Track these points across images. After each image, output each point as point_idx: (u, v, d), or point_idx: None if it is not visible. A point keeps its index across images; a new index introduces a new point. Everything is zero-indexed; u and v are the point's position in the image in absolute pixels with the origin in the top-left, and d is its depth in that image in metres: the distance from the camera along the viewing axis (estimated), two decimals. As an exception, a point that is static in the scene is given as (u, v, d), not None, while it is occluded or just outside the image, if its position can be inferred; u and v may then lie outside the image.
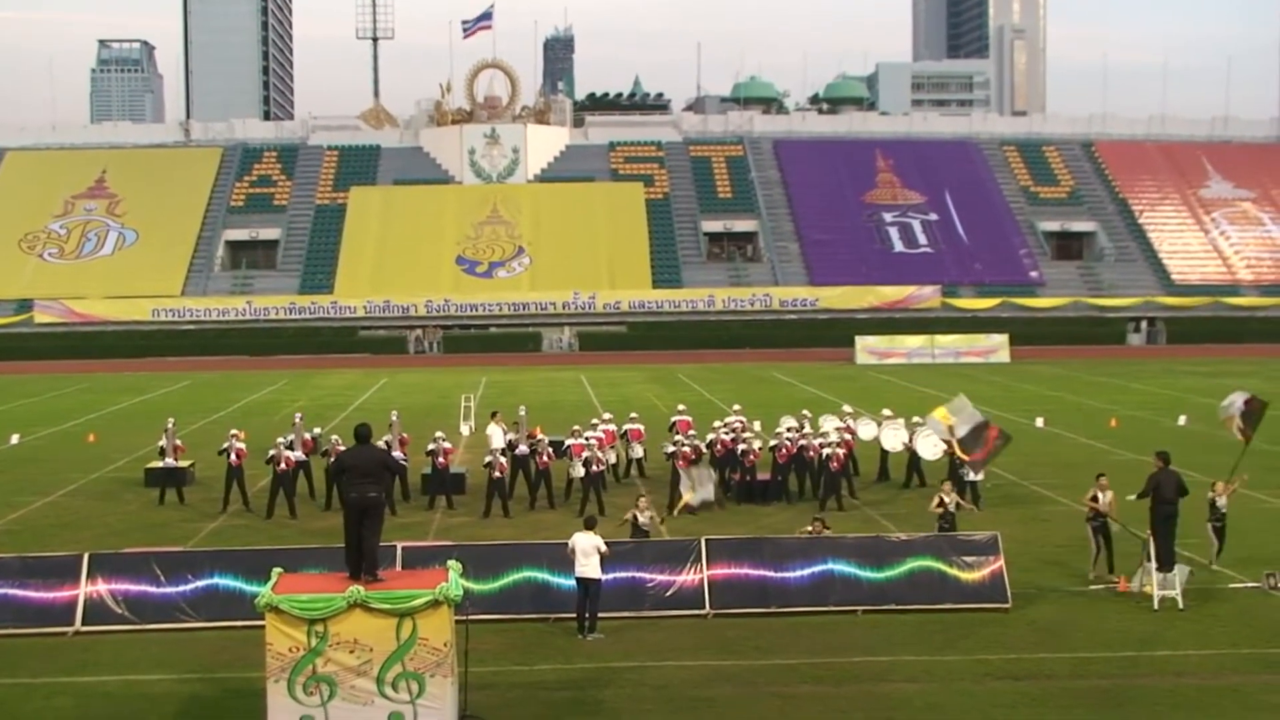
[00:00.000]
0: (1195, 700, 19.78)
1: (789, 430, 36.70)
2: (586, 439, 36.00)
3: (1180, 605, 24.72)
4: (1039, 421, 52.80)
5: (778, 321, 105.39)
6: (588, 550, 23.35)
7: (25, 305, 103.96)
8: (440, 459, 34.12)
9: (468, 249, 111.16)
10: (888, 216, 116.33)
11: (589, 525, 23.81)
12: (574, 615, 23.65)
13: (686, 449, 35.66)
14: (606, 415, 42.00)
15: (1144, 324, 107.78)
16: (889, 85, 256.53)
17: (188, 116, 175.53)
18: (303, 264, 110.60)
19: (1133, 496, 27.20)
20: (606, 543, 23.84)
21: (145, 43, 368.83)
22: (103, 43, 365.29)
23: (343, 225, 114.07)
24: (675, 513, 32.01)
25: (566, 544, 23.77)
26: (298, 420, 41.43)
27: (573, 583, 23.77)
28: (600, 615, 23.62)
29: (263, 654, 17.75)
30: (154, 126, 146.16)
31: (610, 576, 24.35)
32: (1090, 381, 73.82)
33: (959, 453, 33.57)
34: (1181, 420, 52.43)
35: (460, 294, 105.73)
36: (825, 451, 35.16)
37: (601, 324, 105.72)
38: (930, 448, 35.18)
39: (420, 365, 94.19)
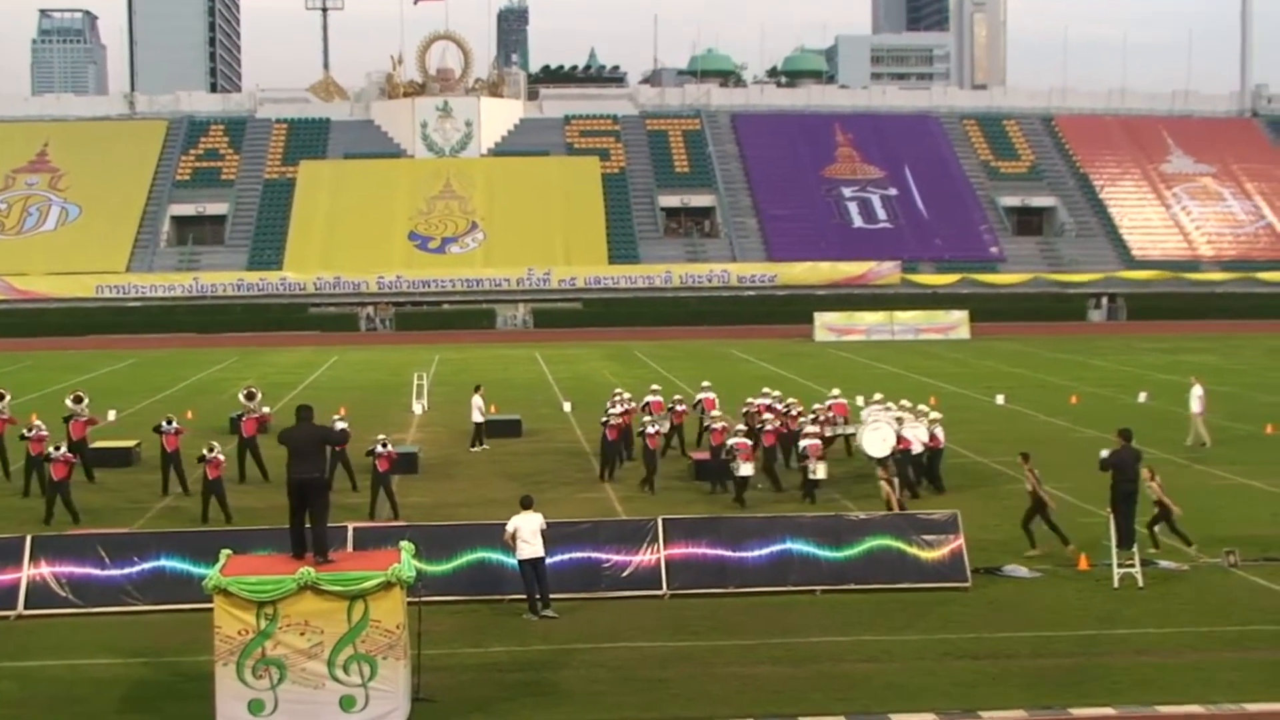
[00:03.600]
0: (1155, 678, 19.93)
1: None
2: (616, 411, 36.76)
3: (1140, 583, 24.91)
4: (999, 399, 53.07)
5: (736, 298, 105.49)
6: (532, 531, 23.33)
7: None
8: (379, 464, 33.02)
9: (420, 224, 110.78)
10: (847, 191, 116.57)
11: (527, 505, 23.78)
12: (520, 595, 23.68)
13: (718, 427, 35.30)
14: (655, 386, 43.35)
15: (1104, 300, 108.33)
16: (848, 58, 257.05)
17: (132, 88, 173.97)
18: (251, 240, 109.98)
19: (1105, 452, 27.12)
20: (551, 523, 23.91)
21: (87, 13, 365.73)
22: (44, 13, 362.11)
23: (292, 200, 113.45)
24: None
25: (512, 528, 23.65)
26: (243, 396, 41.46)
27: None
28: (554, 596, 23.64)
29: (211, 637, 17.70)
30: (97, 99, 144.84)
31: (565, 557, 24.39)
32: (1051, 358, 74.24)
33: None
34: (1142, 397, 52.81)
35: (412, 270, 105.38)
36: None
37: (557, 301, 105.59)
38: (878, 443, 34.61)
39: (372, 343, 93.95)
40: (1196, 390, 42.89)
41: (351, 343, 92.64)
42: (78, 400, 39.13)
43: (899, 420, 34.53)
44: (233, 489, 34.84)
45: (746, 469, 32.76)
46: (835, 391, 41.60)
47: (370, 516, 31.19)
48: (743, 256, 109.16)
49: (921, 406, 37.00)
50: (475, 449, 42.45)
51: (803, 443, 33.39)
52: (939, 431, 34.56)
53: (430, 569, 23.88)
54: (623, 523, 26.75)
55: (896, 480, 30.46)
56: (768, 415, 36.59)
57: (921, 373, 65.62)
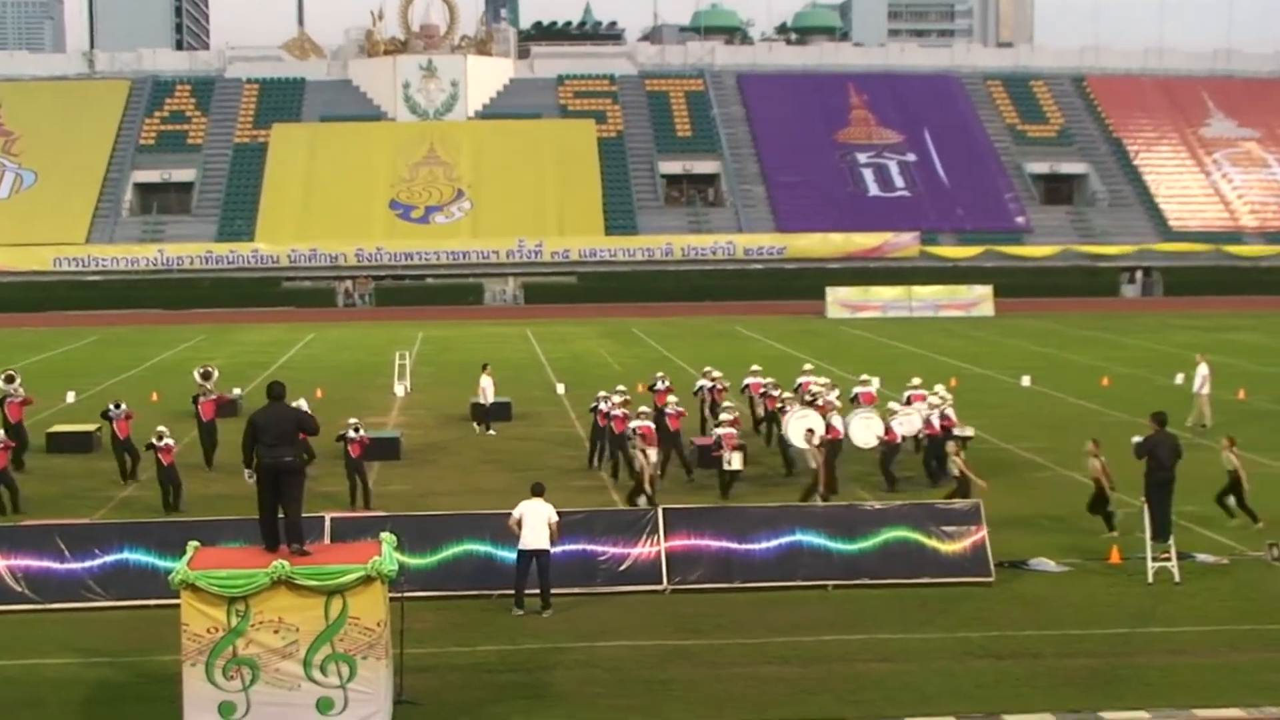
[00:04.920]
0: (1191, 680, 19.98)
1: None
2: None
3: (1176, 578, 24.94)
4: (1025, 380, 53.09)
5: (742, 271, 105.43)
6: (539, 520, 23.35)
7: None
8: (351, 449, 33.03)
9: (402, 192, 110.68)
10: (861, 157, 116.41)
11: (538, 492, 23.83)
12: (509, 590, 23.71)
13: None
14: (715, 372, 42.71)
15: (1139, 274, 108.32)
16: (863, 14, 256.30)
17: (91, 46, 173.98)
18: (220, 209, 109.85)
19: (1137, 438, 27.24)
20: (559, 512, 23.92)
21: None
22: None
23: (264, 166, 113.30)
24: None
25: (510, 514, 23.74)
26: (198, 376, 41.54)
27: (514, 555, 23.76)
28: (550, 591, 23.70)
29: (178, 635, 17.71)
30: (54, 57, 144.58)
31: (559, 550, 24.36)
32: (1080, 336, 74.25)
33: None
34: (1179, 379, 52.79)
35: (394, 242, 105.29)
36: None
37: (549, 274, 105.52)
38: (862, 431, 34.61)
39: (350, 319, 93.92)
40: (1202, 369, 43.27)
41: (328, 320, 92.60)
42: (9, 380, 39.15)
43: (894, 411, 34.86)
44: (198, 476, 34.92)
45: (737, 461, 32.96)
46: (864, 377, 40.93)
47: (352, 505, 31.28)
48: (749, 227, 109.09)
49: (939, 388, 36.89)
50: (483, 431, 42.59)
51: (716, 431, 33.34)
52: (945, 415, 34.54)
53: (413, 562, 23.89)
54: (620, 513, 26.81)
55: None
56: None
57: (942, 352, 65.64)
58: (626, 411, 35.03)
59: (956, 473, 30.06)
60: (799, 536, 25.23)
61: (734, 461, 32.35)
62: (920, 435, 34.69)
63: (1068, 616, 23.06)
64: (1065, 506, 31.06)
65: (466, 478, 35.63)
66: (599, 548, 25.01)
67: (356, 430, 32.51)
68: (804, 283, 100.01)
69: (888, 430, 33.67)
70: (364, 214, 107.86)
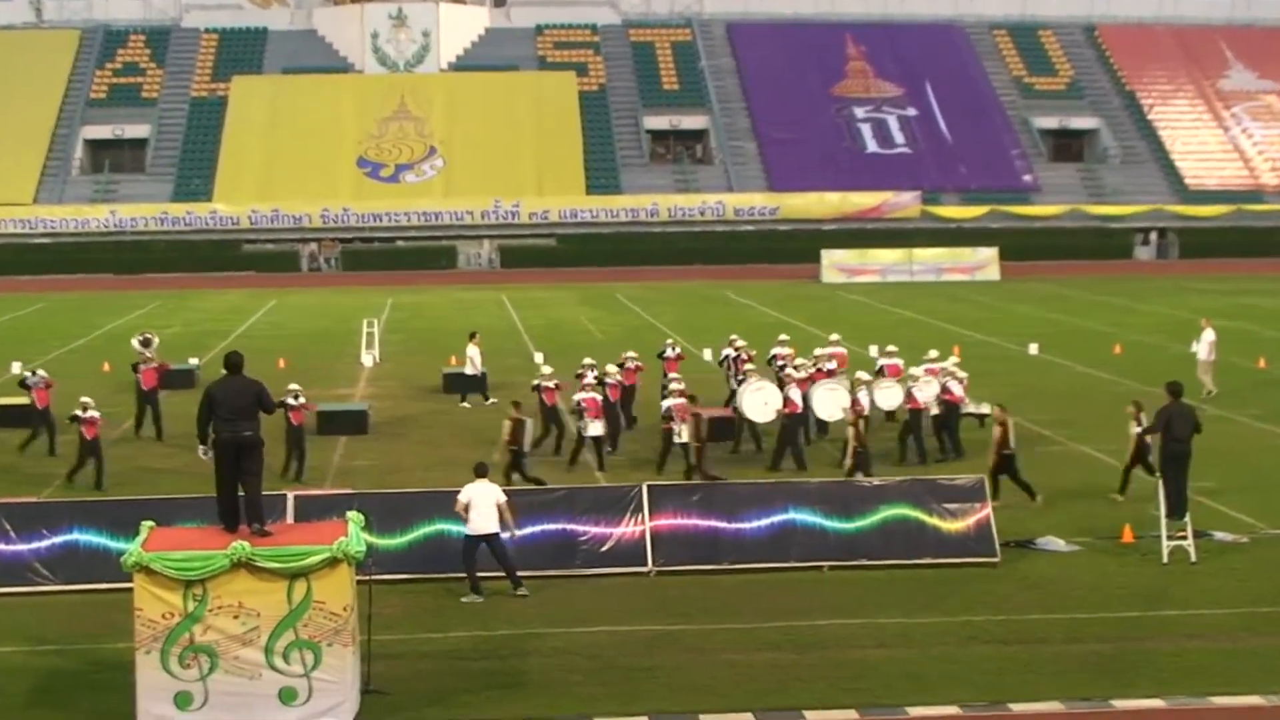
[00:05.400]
0: (1207, 666, 20.01)
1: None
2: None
3: (1192, 558, 24.98)
4: (1032, 348, 53.13)
5: (732, 234, 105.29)
6: (488, 503, 23.28)
7: None
8: (292, 416, 32.47)
9: (370, 150, 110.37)
10: (859, 112, 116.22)
11: (482, 473, 23.72)
12: (496, 574, 23.66)
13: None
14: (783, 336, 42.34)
15: (1153, 235, 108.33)
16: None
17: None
18: (176, 167, 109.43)
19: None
20: (519, 491, 23.93)
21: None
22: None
23: (223, 122, 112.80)
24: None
25: (457, 497, 23.55)
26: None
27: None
28: (524, 574, 23.67)
29: (131, 621, 17.67)
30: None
31: (537, 529, 24.44)
32: (1091, 301, 74.34)
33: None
34: (1194, 347, 52.81)
35: (362, 202, 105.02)
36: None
37: (527, 237, 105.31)
38: (827, 403, 34.62)
39: (315, 285, 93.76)
40: (1208, 335, 43.31)
41: (292, 285, 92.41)
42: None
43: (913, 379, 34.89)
44: (154, 451, 34.90)
45: (595, 428, 33.07)
46: (889, 348, 40.33)
47: (283, 476, 31.42)
48: (740, 186, 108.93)
49: (954, 360, 36.88)
50: (476, 402, 42.61)
51: (666, 402, 33.32)
52: (955, 386, 34.50)
53: (382, 543, 23.90)
54: (602, 490, 26.81)
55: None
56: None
57: (944, 318, 65.68)
58: (559, 382, 35.55)
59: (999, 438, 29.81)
60: (792, 515, 25.27)
61: (684, 434, 32.39)
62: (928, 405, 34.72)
63: (1077, 599, 23.10)
64: (1075, 482, 31.13)
65: (438, 453, 35.60)
66: (579, 527, 25.02)
67: (296, 397, 32.48)
68: (798, 245, 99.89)
69: (909, 398, 33.81)
70: (330, 173, 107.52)
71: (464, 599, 23.27)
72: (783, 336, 42.48)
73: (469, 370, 43.59)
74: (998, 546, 25.21)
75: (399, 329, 63.72)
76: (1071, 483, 31.07)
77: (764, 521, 25.23)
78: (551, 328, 63.91)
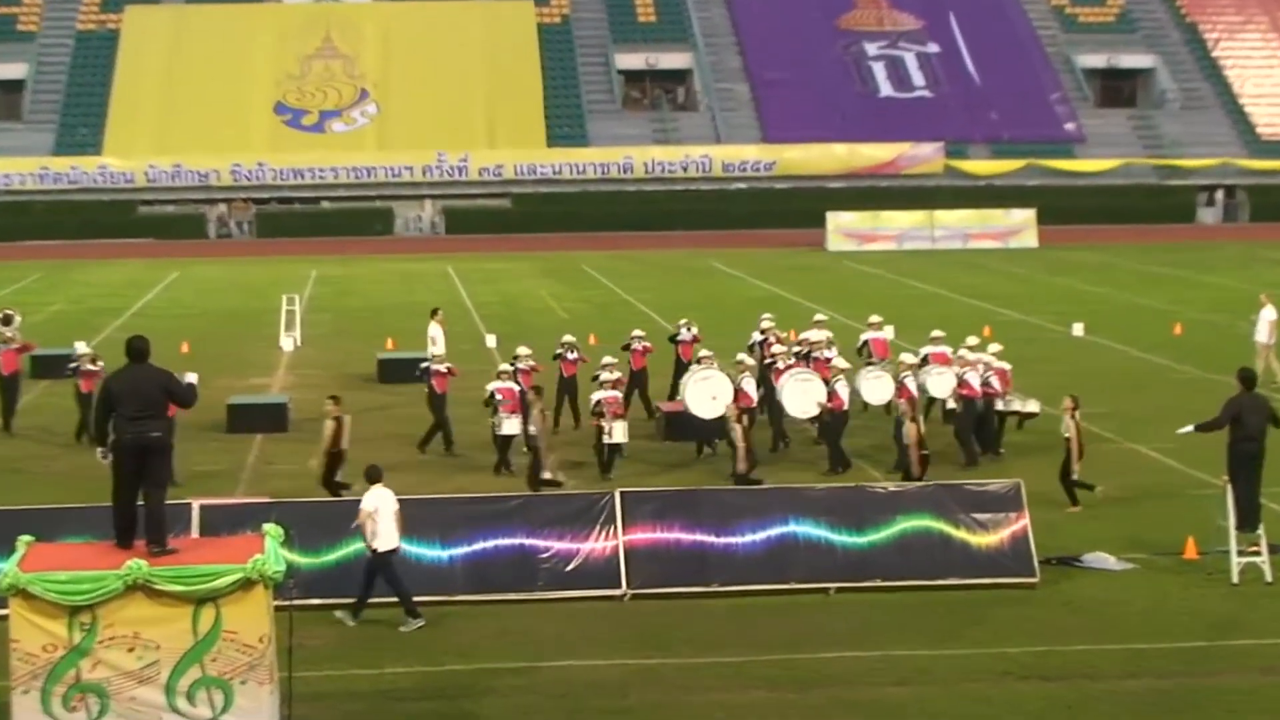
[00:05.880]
0: (1286, 705, 20.12)
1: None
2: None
3: (1267, 577, 25.03)
4: (1077, 328, 53.22)
5: (720, 193, 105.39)
6: (391, 514, 23.18)
7: None
8: (82, 384, 32.95)
9: (290, 93, 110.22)
10: (871, 49, 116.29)
11: (375, 478, 23.51)
12: (437, 599, 23.69)
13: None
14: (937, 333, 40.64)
15: (1219, 194, 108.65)
16: None
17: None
18: (59, 114, 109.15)
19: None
20: (472, 498, 23.91)
21: None
22: None
23: (114, 60, 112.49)
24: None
25: (372, 506, 23.37)
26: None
27: (436, 554, 23.80)
28: (472, 598, 23.72)
29: (6, 655, 17.61)
30: None
31: (488, 545, 24.47)
32: (1146, 273, 74.59)
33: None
34: (1255, 327, 52.91)
35: (280, 155, 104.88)
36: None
37: (476, 197, 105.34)
38: (877, 391, 34.80)
39: (224, 254, 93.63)
40: (1267, 313, 43.29)
41: (196, 255, 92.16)
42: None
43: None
44: (12, 448, 34.90)
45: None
46: (936, 334, 39.97)
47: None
48: (729, 137, 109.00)
49: (993, 348, 36.83)
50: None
51: (595, 395, 33.40)
52: (991, 378, 34.54)
53: (305, 561, 23.85)
54: (567, 499, 26.75)
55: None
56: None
57: (971, 293, 65.89)
58: (527, 367, 35.49)
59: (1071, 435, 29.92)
60: (793, 527, 25.27)
61: (615, 432, 32.38)
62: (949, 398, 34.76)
63: (1132, 626, 23.16)
64: (1128, 488, 31.19)
65: (373, 454, 35.36)
66: (540, 542, 24.98)
67: (95, 361, 32.79)
68: (799, 207, 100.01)
69: (963, 383, 33.68)
70: (242, 121, 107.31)
71: (402, 628, 23.23)
72: (819, 317, 42.59)
73: (429, 351, 43.35)
74: (1037, 564, 25.24)
75: (325, 307, 63.63)
76: (1123, 489, 31.11)
77: (759, 535, 25.22)
78: (507, 305, 63.91)
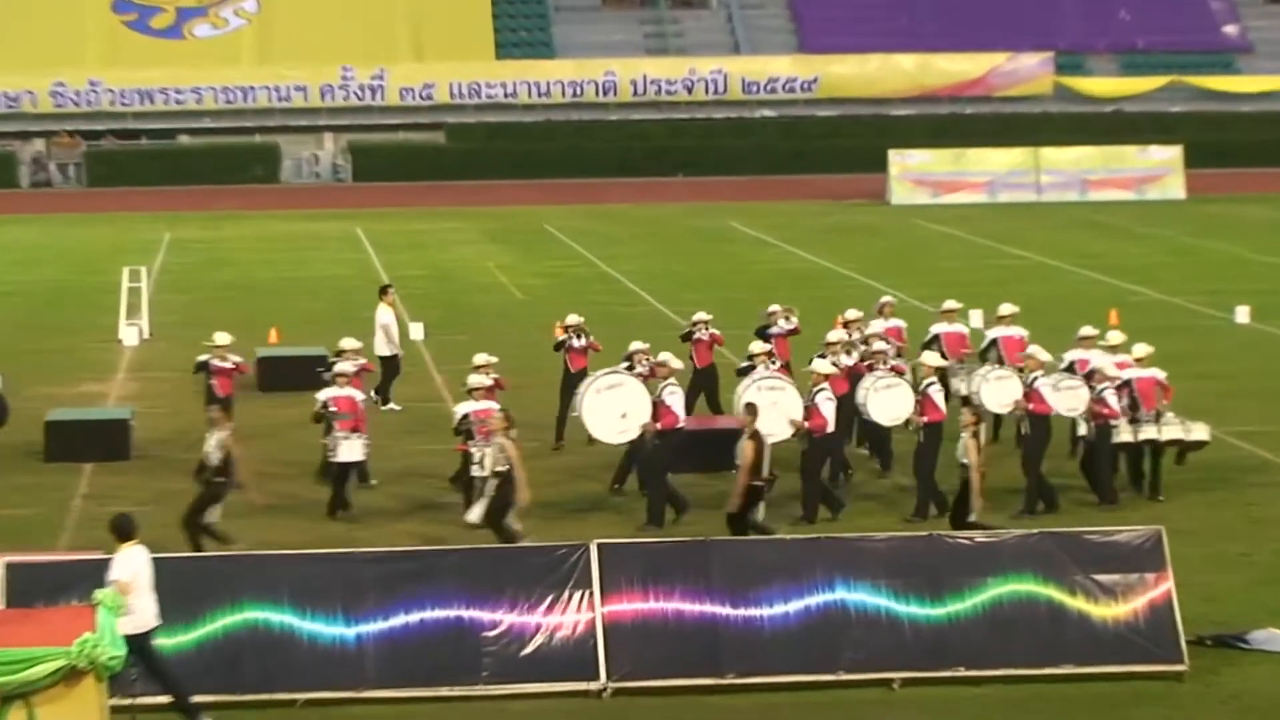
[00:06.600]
0: None
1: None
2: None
3: None
4: (1241, 314, 53.25)
5: (738, 123, 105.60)
6: (148, 582, 23.04)
7: None
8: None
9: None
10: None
11: (125, 534, 23.27)
12: (337, 695, 23.69)
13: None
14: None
15: None
16: None
17: None
18: None
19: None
20: (390, 553, 23.93)
21: None
22: None
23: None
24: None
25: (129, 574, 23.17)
26: None
27: (337, 632, 23.79)
28: (396, 694, 23.67)
29: None
30: None
31: (413, 619, 24.33)
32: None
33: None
34: None
35: (120, 72, 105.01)
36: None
37: (397, 129, 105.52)
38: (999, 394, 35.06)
39: (43, 210, 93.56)
40: None
41: (4, 210, 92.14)
42: None
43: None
44: None
45: None
46: (1085, 332, 40.04)
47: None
48: (752, 47, 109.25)
49: (1139, 349, 36.85)
50: (378, 404, 42.75)
51: (461, 408, 33.42)
52: (1106, 392, 34.59)
53: (156, 641, 23.79)
54: (523, 553, 26.69)
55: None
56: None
57: (1092, 264, 65.94)
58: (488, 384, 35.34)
59: None
60: (841, 593, 25.12)
61: (486, 460, 32.27)
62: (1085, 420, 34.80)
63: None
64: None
65: (247, 489, 35.49)
66: (485, 615, 24.85)
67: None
68: (849, 143, 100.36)
69: (1100, 400, 33.62)
70: (69, 23, 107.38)
71: None
72: (886, 299, 42.65)
73: (380, 347, 43.31)
74: (1185, 645, 25.18)
75: (183, 285, 63.65)
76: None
77: (794, 604, 25.09)
78: (438, 281, 63.89)
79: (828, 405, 33.24)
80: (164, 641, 23.93)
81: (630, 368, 37.57)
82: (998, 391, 34.54)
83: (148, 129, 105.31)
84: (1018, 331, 39.95)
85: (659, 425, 32.72)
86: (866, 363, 35.85)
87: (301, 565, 24.54)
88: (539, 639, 24.77)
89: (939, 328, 39.86)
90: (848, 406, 35.77)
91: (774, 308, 41.29)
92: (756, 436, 29.75)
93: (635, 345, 37.27)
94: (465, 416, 32.65)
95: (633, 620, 24.92)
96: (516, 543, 28.79)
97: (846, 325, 39.11)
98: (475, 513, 31.25)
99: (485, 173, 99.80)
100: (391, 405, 43.04)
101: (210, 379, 37.37)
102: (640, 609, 24.97)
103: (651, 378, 34.89)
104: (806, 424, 32.68)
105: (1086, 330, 37.98)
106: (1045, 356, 34.94)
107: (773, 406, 32.95)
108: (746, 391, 33.64)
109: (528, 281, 62.72)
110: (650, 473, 33.11)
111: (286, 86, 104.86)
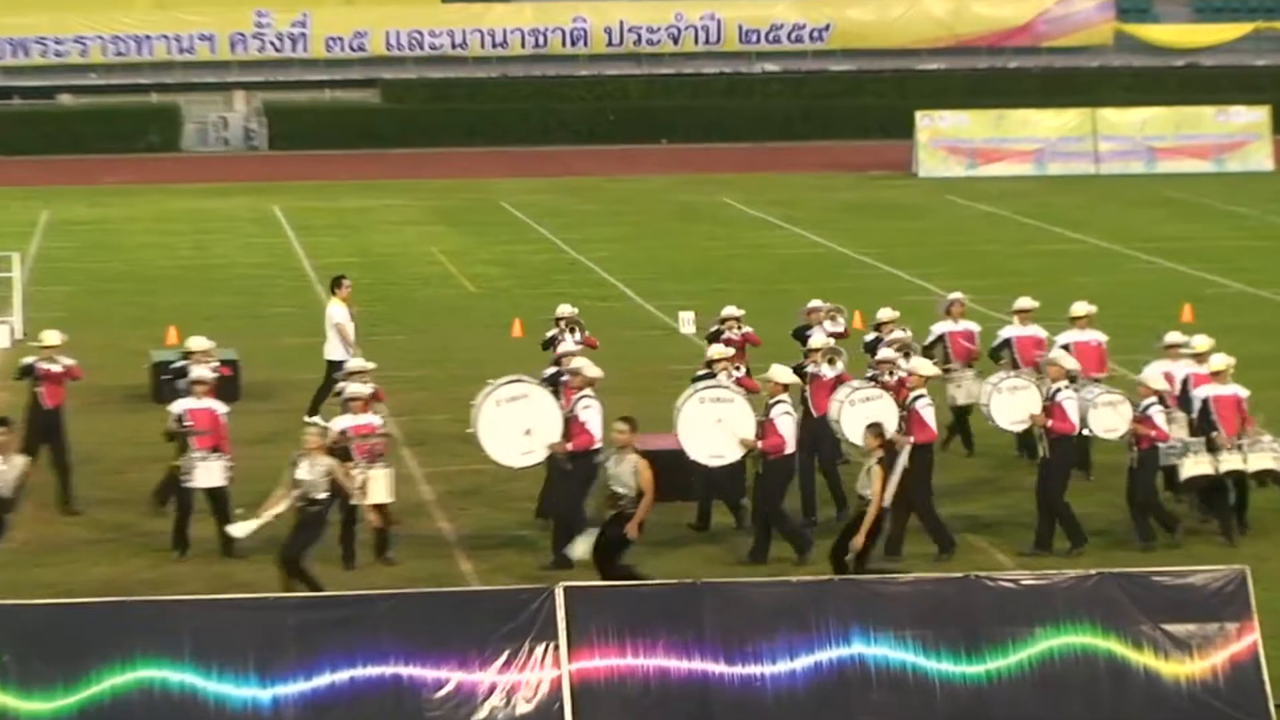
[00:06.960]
0: None
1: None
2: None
3: None
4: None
5: (735, 79, 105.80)
6: None
7: None
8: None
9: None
10: None
11: None
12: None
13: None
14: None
15: None
16: None
17: None
18: None
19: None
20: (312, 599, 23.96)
21: None
22: None
23: None
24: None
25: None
26: None
27: (250, 694, 23.76)
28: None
29: None
30: None
31: (343, 678, 24.29)
32: None
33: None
34: None
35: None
36: None
37: (321, 86, 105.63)
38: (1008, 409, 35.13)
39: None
40: None
41: None
42: None
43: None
44: None
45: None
46: (1171, 340, 40.25)
47: None
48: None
49: (1217, 360, 36.89)
50: (312, 420, 42.74)
51: (337, 422, 33.60)
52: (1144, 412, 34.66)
53: (28, 708, 23.77)
54: (474, 597, 26.66)
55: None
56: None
57: (1161, 250, 65.94)
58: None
59: None
60: (856, 647, 25.13)
61: (374, 488, 32.23)
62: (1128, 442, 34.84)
63: None
64: None
65: (149, 522, 35.45)
66: (429, 672, 24.86)
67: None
68: (869, 103, 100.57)
69: (1143, 419, 33.62)
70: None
71: None
72: (883, 314, 42.66)
73: (332, 350, 43.19)
74: (1273, 710, 25.19)
75: (62, 275, 63.63)
76: None
77: (802, 660, 25.12)
78: (373, 270, 63.85)
79: (785, 421, 33.15)
80: (39, 707, 23.95)
81: (715, 334, 37.90)
82: (1010, 405, 34.49)
83: (20, 86, 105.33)
84: (1035, 331, 39.98)
85: (569, 446, 32.69)
86: (872, 373, 35.80)
87: (206, 613, 24.49)
88: (493, 701, 24.69)
89: (1009, 331, 39.75)
90: (814, 425, 35.79)
91: (815, 303, 41.11)
92: (883, 462, 29.73)
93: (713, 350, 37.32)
94: (343, 432, 32.71)
95: (606, 679, 24.87)
96: (317, 591, 28.59)
97: (879, 328, 39.18)
98: (581, 547, 30.94)
99: (429, 139, 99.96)
100: (317, 419, 42.97)
101: (37, 386, 37.41)
102: (615, 665, 24.91)
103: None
104: (760, 444, 32.67)
105: (1174, 337, 37.76)
106: (1071, 364, 34.92)
107: (716, 424, 32.94)
108: (686, 403, 33.52)
109: (480, 270, 62.72)
110: (769, 504, 33.08)
111: (189, 36, 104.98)
